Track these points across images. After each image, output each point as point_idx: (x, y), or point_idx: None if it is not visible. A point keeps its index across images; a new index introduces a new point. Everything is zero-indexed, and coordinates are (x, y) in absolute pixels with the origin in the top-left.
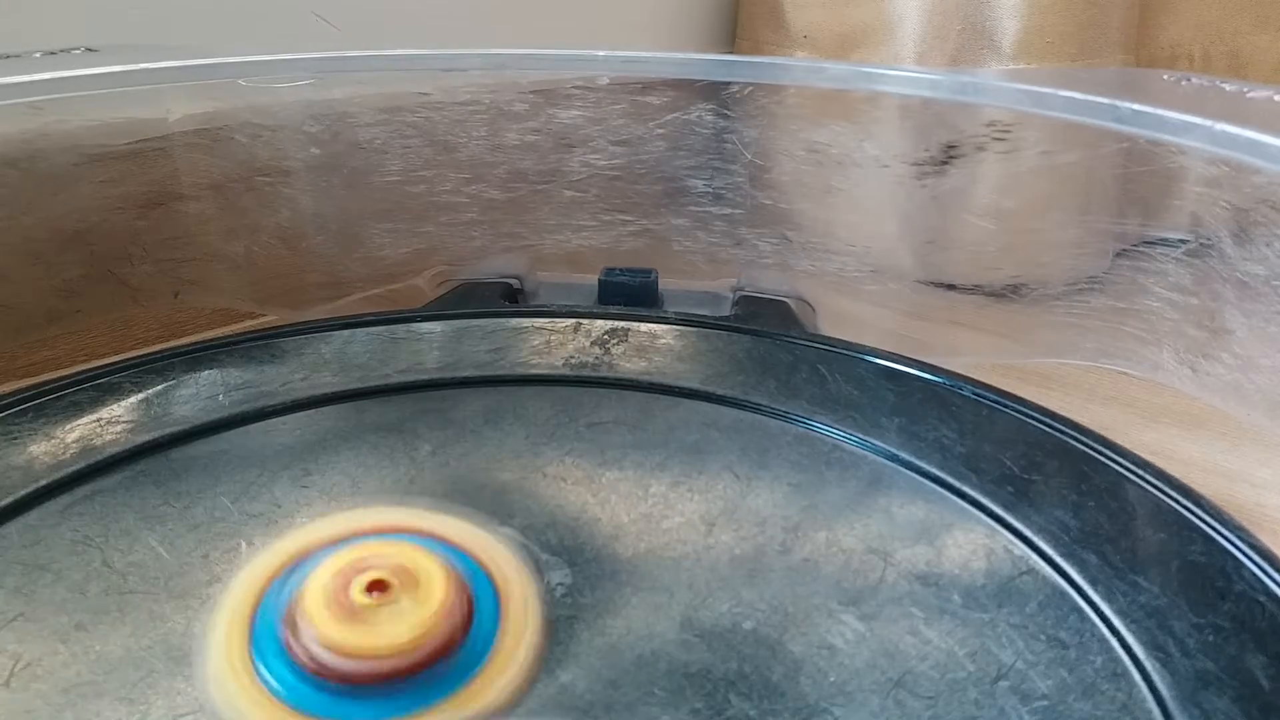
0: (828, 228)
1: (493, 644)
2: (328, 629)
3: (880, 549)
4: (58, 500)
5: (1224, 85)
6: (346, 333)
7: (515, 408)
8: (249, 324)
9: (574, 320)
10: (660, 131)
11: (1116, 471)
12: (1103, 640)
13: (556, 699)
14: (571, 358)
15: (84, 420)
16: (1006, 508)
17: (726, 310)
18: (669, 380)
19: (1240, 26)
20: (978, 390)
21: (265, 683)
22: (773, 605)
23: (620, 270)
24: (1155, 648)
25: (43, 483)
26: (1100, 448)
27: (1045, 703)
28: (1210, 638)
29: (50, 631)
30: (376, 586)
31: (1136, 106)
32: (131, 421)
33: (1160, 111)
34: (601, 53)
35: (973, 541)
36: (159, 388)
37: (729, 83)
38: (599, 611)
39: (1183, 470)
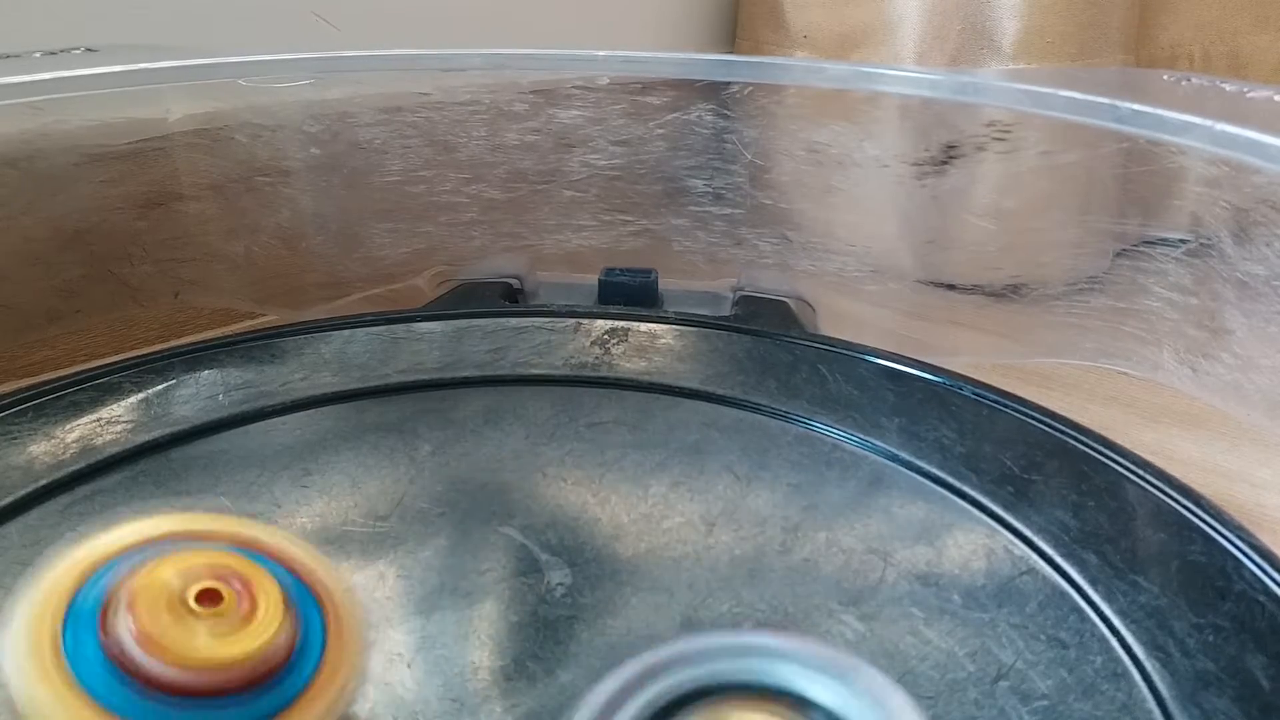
0: (828, 228)
1: (314, 673)
2: (150, 625)
3: (880, 549)
4: (58, 500)
5: (1224, 85)
6: (346, 333)
7: (515, 408)
8: (249, 324)
9: (574, 320)
10: (660, 131)
11: (1116, 471)
12: (1103, 640)
13: (555, 699)
14: (571, 358)
15: (84, 420)
16: (1006, 508)
17: (726, 310)
18: (669, 380)
19: (1240, 26)
20: (978, 390)
21: (71, 670)
22: (773, 605)
23: (620, 270)
24: (1155, 648)
25: (43, 483)
26: (1100, 448)
27: (1045, 703)
28: (1210, 638)
29: None
30: (209, 597)
31: (1136, 106)
32: (131, 421)
33: (1160, 111)
34: (601, 53)
35: (973, 541)
36: (159, 388)
37: (729, 83)
38: (599, 611)
39: (1183, 470)
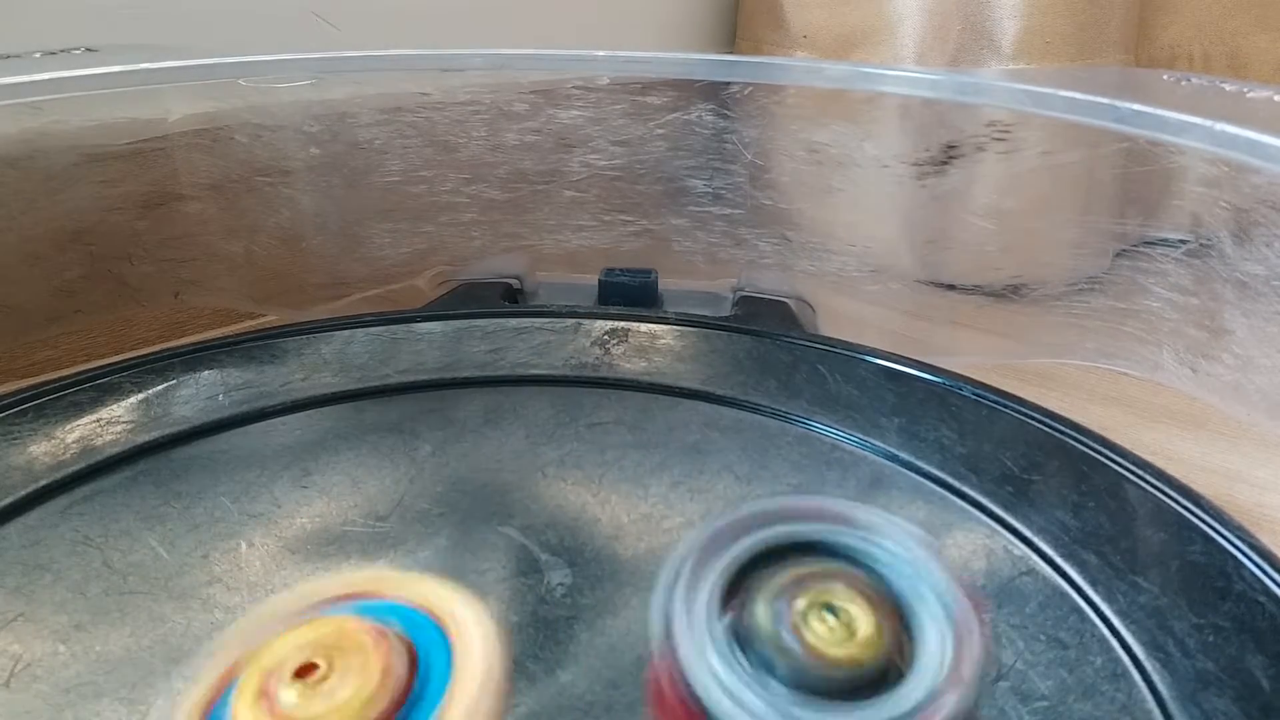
0: (828, 228)
1: (443, 695)
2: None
3: None
4: (58, 500)
5: (1224, 85)
6: (346, 333)
7: (515, 408)
8: (249, 324)
9: (574, 320)
10: (660, 131)
11: (1116, 472)
12: (1103, 640)
13: (555, 699)
14: (571, 358)
15: (84, 420)
16: (1006, 508)
17: (726, 310)
18: (669, 380)
19: (1240, 26)
20: (978, 390)
21: None
22: None
23: (620, 270)
24: (1155, 648)
25: (43, 483)
26: (1100, 448)
27: (1045, 703)
28: (1210, 638)
29: (50, 631)
30: (303, 672)
31: (1136, 106)
32: (131, 421)
33: (1160, 111)
34: (601, 53)
35: (973, 541)
36: (159, 388)
37: (729, 83)
38: (599, 611)
39: (1183, 470)
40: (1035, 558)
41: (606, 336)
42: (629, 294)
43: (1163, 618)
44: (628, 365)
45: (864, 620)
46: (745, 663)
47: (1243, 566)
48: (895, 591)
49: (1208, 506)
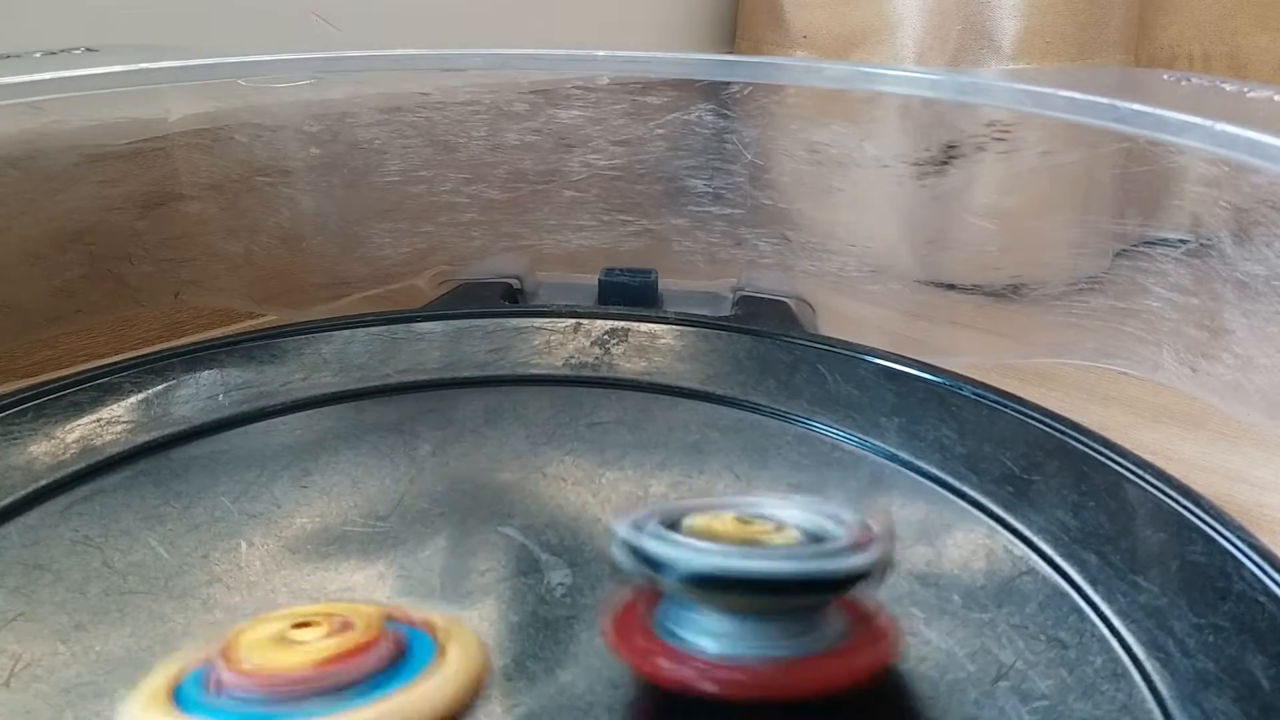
0: (828, 228)
1: (428, 662)
2: (256, 656)
3: None
4: (58, 500)
5: (1224, 85)
6: (346, 333)
7: (515, 408)
8: (249, 324)
9: (574, 320)
10: (660, 131)
11: (1116, 471)
12: (1103, 640)
13: (555, 699)
14: (571, 358)
15: (84, 420)
16: (1006, 508)
17: (726, 310)
18: (669, 380)
19: (1240, 26)
20: (978, 390)
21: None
22: None
23: (620, 270)
24: (1155, 648)
25: (43, 483)
26: (1100, 448)
27: (1045, 703)
28: (1210, 638)
29: (50, 631)
30: (304, 626)
31: (1136, 106)
32: (131, 421)
33: (1160, 111)
34: (601, 53)
35: (973, 541)
36: (159, 388)
37: (729, 83)
38: (599, 611)
39: (1183, 470)
40: (1035, 558)
41: (606, 336)
42: (629, 294)
43: (1163, 618)
44: (628, 365)
45: (767, 521)
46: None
47: (1243, 566)
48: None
49: (1208, 506)
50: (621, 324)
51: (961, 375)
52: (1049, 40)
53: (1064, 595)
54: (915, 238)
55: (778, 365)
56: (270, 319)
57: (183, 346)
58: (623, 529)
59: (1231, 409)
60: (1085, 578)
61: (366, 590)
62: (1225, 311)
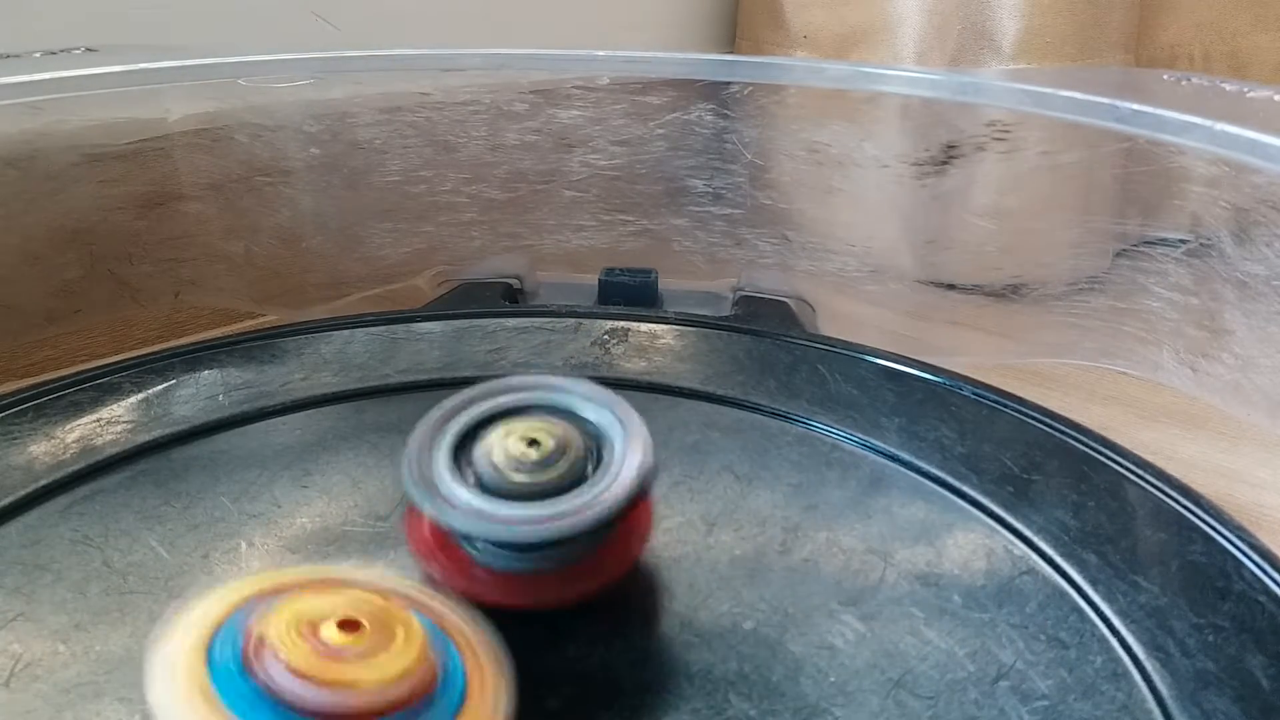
0: (828, 228)
1: (462, 698)
2: (295, 657)
3: (880, 549)
4: (58, 500)
5: (1224, 85)
6: (346, 333)
7: None
8: (249, 324)
9: (574, 320)
10: (660, 131)
11: (1116, 471)
12: (1103, 640)
13: (556, 697)
14: (571, 358)
15: (84, 420)
16: (1006, 508)
17: (726, 310)
18: (669, 380)
19: (1240, 26)
20: (978, 390)
21: (232, 712)
22: (773, 605)
23: (620, 270)
24: (1155, 648)
25: (43, 483)
26: (1100, 448)
27: (1045, 703)
28: (1210, 638)
29: (50, 631)
30: (347, 626)
31: (1136, 106)
32: (131, 421)
33: (1160, 111)
34: (601, 53)
35: (973, 541)
36: (159, 388)
37: (729, 83)
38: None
39: (1183, 470)
40: (1035, 557)
41: (606, 336)
42: (629, 294)
43: (1163, 618)
44: (628, 365)
45: (551, 440)
46: (468, 483)
47: (1243, 566)
48: (583, 421)
49: (1208, 506)
50: (621, 324)
51: (961, 375)
52: (1049, 40)
53: (1064, 595)
54: (915, 238)
55: (778, 365)
56: (270, 319)
57: (183, 346)
58: (413, 454)
59: (1231, 409)
60: (1085, 578)
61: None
62: (1225, 311)
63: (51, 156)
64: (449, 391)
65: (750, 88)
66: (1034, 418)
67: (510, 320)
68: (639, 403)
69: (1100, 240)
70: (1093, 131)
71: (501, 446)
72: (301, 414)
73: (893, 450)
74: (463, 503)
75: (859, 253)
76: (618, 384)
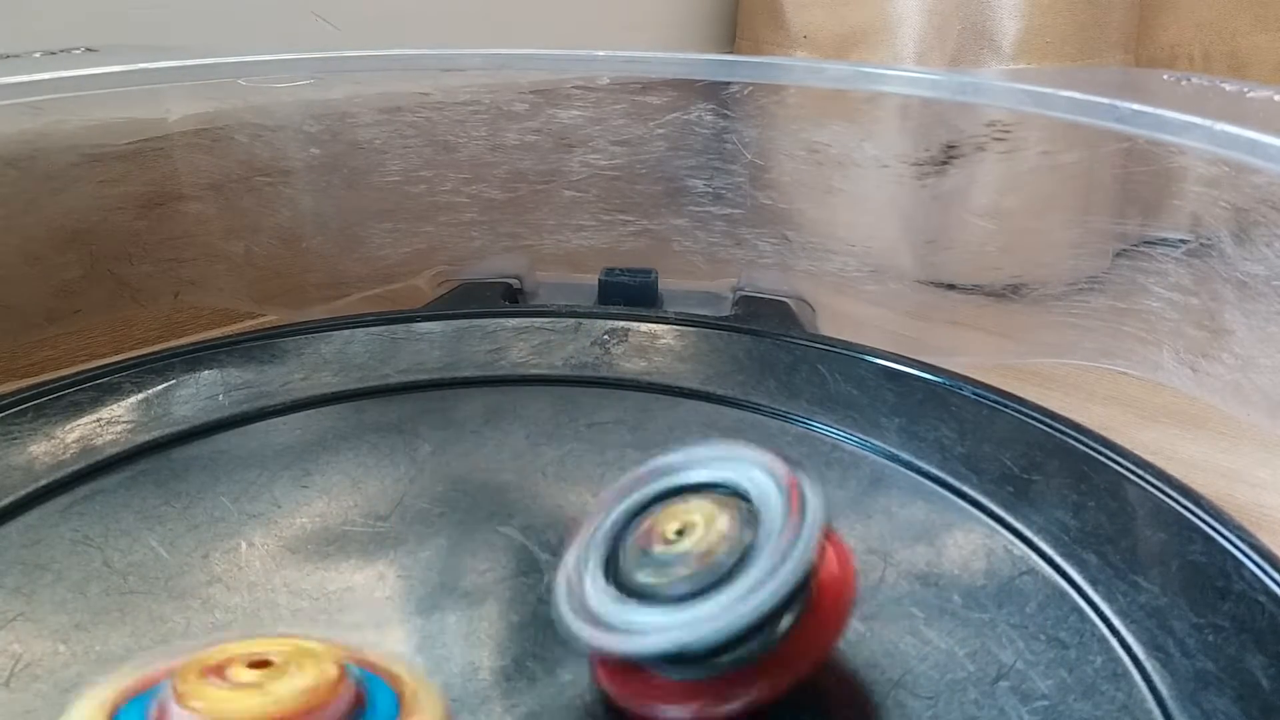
0: (828, 228)
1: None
2: (208, 696)
3: (880, 549)
4: (58, 500)
5: (1224, 85)
6: (346, 333)
7: (515, 408)
8: (249, 324)
9: (574, 320)
10: (660, 131)
11: (1116, 471)
12: (1103, 640)
13: (555, 699)
14: (571, 358)
15: (84, 420)
16: (1006, 508)
17: (726, 310)
18: (669, 380)
19: (1240, 26)
20: (978, 390)
21: None
22: None
23: (620, 270)
24: (1155, 648)
25: (43, 483)
26: (1100, 448)
27: (1045, 703)
28: (1210, 638)
29: (50, 631)
30: (259, 665)
31: (1136, 106)
32: (131, 421)
33: (1160, 111)
34: (601, 53)
35: (973, 541)
36: (159, 388)
37: (729, 83)
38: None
39: (1183, 470)
40: (1035, 557)
41: (606, 336)
42: (629, 294)
43: (1163, 618)
44: (628, 365)
45: (705, 527)
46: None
47: (1243, 566)
48: (740, 493)
49: (1208, 506)
50: (621, 324)
51: (961, 375)
52: (1049, 40)
53: (1064, 595)
54: (915, 238)
55: (778, 365)
56: (270, 319)
57: (183, 346)
58: (562, 601)
59: (1231, 409)
60: (1085, 578)
61: (366, 590)
62: (1225, 311)
63: (51, 156)
64: (449, 391)
65: (750, 88)
66: (1034, 418)
67: (510, 320)
68: (639, 403)
69: (1100, 240)
70: (1093, 131)
71: (650, 551)
72: (301, 414)
73: (893, 450)
74: (621, 623)
75: (859, 253)
76: (618, 384)
